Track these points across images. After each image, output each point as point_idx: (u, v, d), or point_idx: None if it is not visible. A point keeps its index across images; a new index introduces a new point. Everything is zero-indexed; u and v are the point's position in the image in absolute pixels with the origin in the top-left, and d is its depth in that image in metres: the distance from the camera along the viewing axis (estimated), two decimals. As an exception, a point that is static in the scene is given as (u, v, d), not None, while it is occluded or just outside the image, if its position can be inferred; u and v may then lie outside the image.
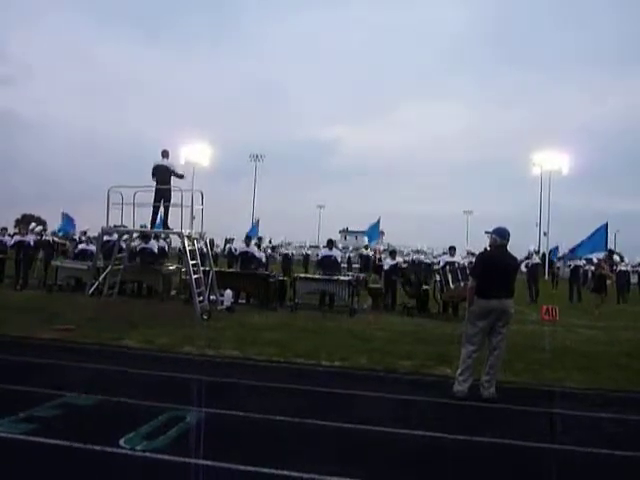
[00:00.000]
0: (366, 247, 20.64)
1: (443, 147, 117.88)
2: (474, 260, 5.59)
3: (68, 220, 18.53)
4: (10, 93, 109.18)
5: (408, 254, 21.90)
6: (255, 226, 21.66)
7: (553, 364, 6.63)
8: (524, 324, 10.15)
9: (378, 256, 16.06)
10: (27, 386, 4.76)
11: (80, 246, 14.69)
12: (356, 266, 22.46)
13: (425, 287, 12.40)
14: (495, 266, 5.25)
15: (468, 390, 5.07)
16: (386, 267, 13.20)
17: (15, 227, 16.52)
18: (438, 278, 11.43)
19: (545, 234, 44.72)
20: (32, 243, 14.45)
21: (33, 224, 16.24)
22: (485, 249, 5.72)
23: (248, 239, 13.83)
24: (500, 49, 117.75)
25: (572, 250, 17.08)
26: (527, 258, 20.30)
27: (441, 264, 12.45)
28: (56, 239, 16.13)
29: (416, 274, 13.14)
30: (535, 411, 4.86)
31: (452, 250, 12.82)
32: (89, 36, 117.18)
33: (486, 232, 5.72)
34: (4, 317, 8.29)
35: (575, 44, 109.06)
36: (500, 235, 5.40)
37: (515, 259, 5.81)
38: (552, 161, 42.98)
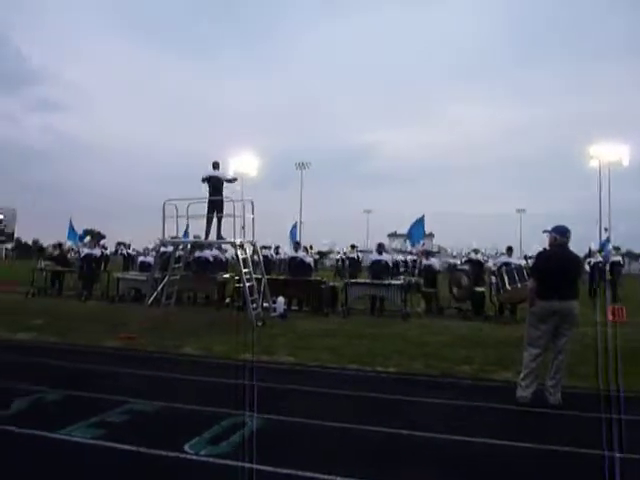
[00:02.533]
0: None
1: (491, 145, 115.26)
2: (534, 260, 5.37)
3: (72, 229, 18.50)
4: (69, 118, 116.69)
5: (461, 255, 20.77)
6: (294, 229, 20.14)
7: (621, 368, 6.28)
8: (587, 325, 9.69)
9: (423, 259, 15.26)
10: (96, 392, 4.99)
11: (140, 258, 15.40)
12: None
13: (480, 289, 12.08)
14: (556, 265, 5.05)
15: (532, 396, 4.89)
16: (422, 268, 13.06)
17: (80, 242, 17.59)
18: (494, 280, 11.10)
19: (606, 230, 42.51)
20: (99, 256, 15.22)
21: (103, 241, 17.27)
22: (544, 248, 5.49)
23: (297, 245, 13.93)
24: (548, 41, 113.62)
25: None
26: (588, 256, 19.28)
27: (497, 265, 12.05)
28: (130, 252, 16.91)
29: (467, 276, 12.81)
30: (602, 418, 4.62)
31: (509, 251, 12.42)
32: (140, 60, 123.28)
33: (544, 231, 5.49)
34: (72, 327, 8.76)
35: (632, 31, 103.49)
36: (560, 233, 5.19)
37: (577, 257, 5.57)
38: (611, 153, 40.81)
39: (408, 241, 18.35)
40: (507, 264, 11.51)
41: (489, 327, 10.06)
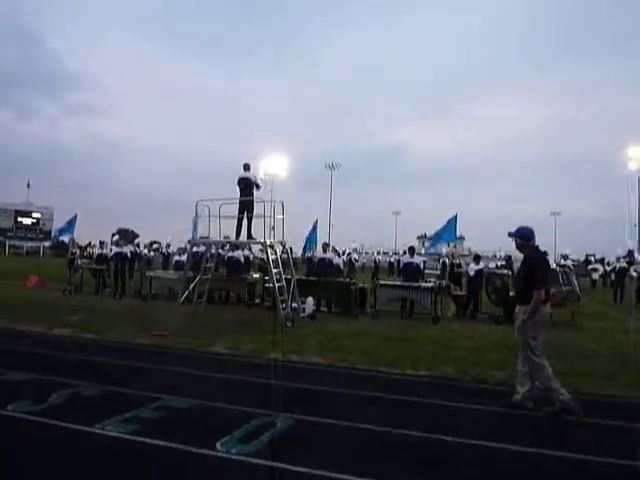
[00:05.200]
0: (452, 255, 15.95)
1: (525, 145, 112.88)
2: (536, 267, 4.97)
3: (69, 225, 18.05)
4: (107, 123, 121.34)
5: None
6: (314, 230, 18.23)
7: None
8: (629, 333, 9.38)
9: (456, 261, 14.22)
10: (130, 388, 5.10)
11: (175, 257, 15.71)
12: (433, 272, 20.22)
13: (512, 294, 11.81)
14: (549, 269, 5.26)
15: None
16: (471, 273, 12.68)
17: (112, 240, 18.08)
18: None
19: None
20: (129, 255, 15.55)
21: (138, 240, 17.76)
22: (534, 253, 5.18)
23: (326, 245, 13.91)
24: (584, 40, 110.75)
25: None
26: (617, 261, 19.22)
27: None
28: (169, 251, 17.36)
29: (502, 280, 12.55)
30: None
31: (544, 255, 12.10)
32: (170, 63, 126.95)
33: (509, 234, 5.30)
34: (107, 324, 8.98)
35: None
36: (522, 236, 5.11)
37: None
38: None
39: (430, 243, 16.99)
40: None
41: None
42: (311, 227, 18.45)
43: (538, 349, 4.80)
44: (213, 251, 12.12)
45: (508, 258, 12.36)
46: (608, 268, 24.03)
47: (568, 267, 11.90)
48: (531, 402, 4.84)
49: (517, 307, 5.11)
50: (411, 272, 12.06)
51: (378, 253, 38.53)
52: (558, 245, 43.31)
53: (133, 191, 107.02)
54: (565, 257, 13.70)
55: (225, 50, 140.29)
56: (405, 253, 15.56)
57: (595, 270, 28.48)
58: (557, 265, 14.59)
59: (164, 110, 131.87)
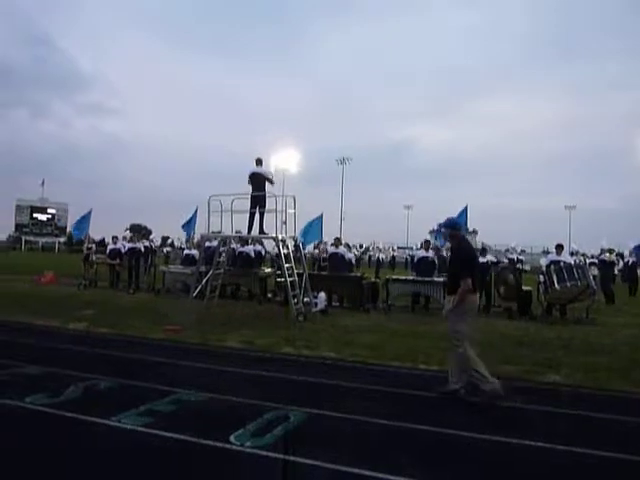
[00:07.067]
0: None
1: (540, 138, 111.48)
2: (464, 256, 5.08)
3: (83, 223, 17.76)
4: (117, 122, 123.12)
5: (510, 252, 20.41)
6: (318, 221, 15.96)
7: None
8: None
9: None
10: (145, 382, 5.16)
11: (184, 251, 15.80)
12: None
13: (527, 288, 11.71)
14: (476, 258, 5.39)
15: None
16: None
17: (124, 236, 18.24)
18: (542, 279, 10.75)
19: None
20: (142, 250, 15.70)
21: (154, 235, 17.95)
22: (461, 242, 5.29)
23: (337, 240, 13.89)
24: (593, 34, 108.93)
25: None
26: (630, 255, 19.17)
27: (545, 263, 11.60)
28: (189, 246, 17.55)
29: (514, 275, 12.44)
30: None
31: (559, 248, 11.90)
32: (178, 65, 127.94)
33: (439, 225, 5.52)
34: (121, 318, 9.08)
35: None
36: (452, 227, 5.25)
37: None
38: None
39: (435, 235, 16.08)
40: (556, 262, 11.11)
41: (536, 327, 9.75)
42: (313, 219, 16.36)
43: (466, 336, 4.96)
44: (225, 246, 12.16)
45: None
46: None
47: (582, 261, 11.75)
48: (463, 390, 5.01)
49: (447, 297, 5.30)
50: (425, 267, 11.96)
51: (361, 248, 38.63)
52: (573, 237, 42.88)
53: (142, 187, 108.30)
54: (611, 251, 13.55)
55: (227, 49, 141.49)
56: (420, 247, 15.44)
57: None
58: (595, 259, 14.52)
59: (172, 109, 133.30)
